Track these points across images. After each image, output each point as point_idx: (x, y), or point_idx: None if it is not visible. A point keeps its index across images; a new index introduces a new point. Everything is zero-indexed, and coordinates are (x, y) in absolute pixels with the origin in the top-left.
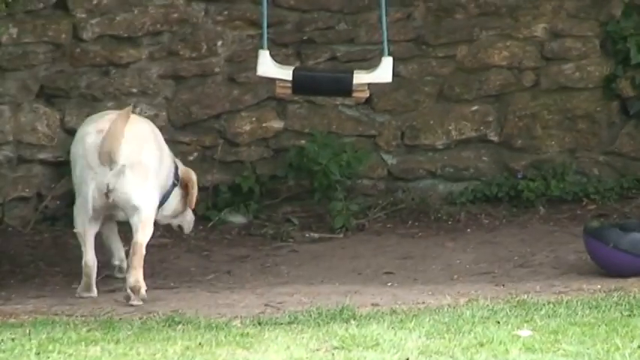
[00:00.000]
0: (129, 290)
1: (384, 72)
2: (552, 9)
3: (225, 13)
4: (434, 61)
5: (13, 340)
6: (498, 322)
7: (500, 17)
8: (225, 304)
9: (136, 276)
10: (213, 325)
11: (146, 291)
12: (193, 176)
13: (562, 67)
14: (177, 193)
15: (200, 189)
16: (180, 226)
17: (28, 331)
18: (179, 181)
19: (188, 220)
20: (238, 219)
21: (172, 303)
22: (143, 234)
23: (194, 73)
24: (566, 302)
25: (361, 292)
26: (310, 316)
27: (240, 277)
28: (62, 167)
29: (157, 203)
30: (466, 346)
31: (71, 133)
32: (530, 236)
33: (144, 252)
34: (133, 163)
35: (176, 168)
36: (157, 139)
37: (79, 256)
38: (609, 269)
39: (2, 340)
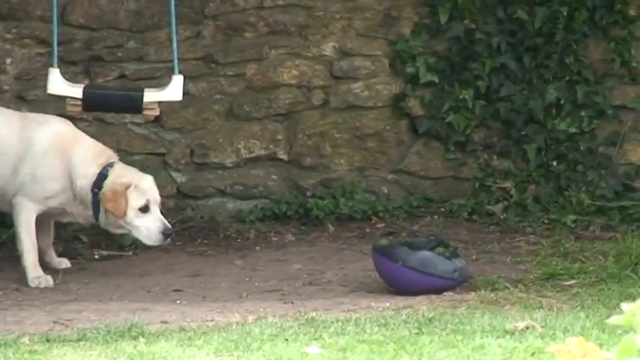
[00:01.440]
0: None
1: (174, 90)
2: (342, 28)
3: (14, 31)
4: (223, 80)
5: None
6: (287, 340)
7: (289, 36)
8: (14, 321)
9: None
10: (2, 342)
11: None
12: None
13: (351, 86)
14: None
15: None
16: None
17: None
18: None
19: None
20: None
21: None
22: None
23: None
24: (355, 320)
25: (150, 310)
26: (99, 333)
27: (29, 293)
28: None
29: None
30: None
31: None
32: (320, 254)
33: None
34: None
35: None
36: None
37: None
38: (398, 287)
39: None
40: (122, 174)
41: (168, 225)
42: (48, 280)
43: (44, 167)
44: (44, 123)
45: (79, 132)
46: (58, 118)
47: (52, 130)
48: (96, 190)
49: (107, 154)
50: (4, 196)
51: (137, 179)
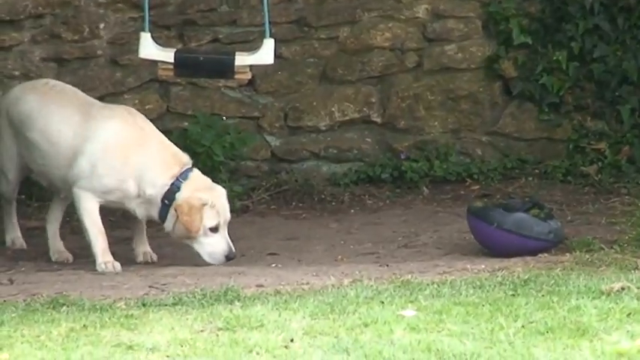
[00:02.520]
0: None
1: (265, 54)
2: None
3: None
4: (316, 43)
5: None
6: (382, 303)
7: None
8: (110, 286)
9: None
10: (98, 306)
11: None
12: None
13: (444, 48)
14: None
15: None
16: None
17: None
18: None
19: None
20: None
21: (56, 285)
22: None
23: (77, 55)
24: (450, 282)
25: (245, 274)
26: (195, 297)
27: (125, 258)
28: None
29: None
30: (350, 327)
31: None
32: (414, 217)
33: None
34: None
35: None
36: None
37: None
38: (493, 249)
39: None
40: (198, 188)
41: (233, 249)
42: (116, 266)
43: (104, 165)
44: (108, 119)
45: (148, 130)
46: (125, 112)
47: (115, 127)
48: (166, 202)
49: (181, 161)
50: (66, 185)
51: (214, 197)
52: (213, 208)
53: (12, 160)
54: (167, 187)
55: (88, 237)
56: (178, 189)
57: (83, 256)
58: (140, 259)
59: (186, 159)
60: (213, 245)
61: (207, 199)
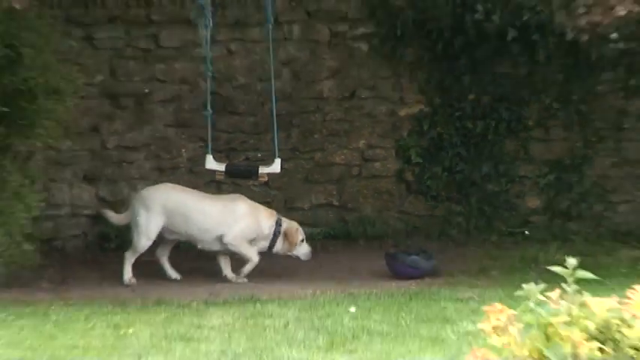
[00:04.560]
0: None
1: (275, 167)
2: (368, 132)
3: (187, 133)
4: (302, 161)
5: None
6: (337, 304)
7: (339, 137)
8: (188, 293)
9: None
10: (182, 304)
11: None
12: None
13: (374, 164)
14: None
15: None
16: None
17: None
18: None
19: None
20: None
21: (159, 291)
22: None
23: (169, 167)
24: (375, 293)
25: (262, 288)
26: (234, 299)
27: (193, 276)
28: None
29: None
30: (320, 316)
31: None
32: (355, 257)
33: None
34: None
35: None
36: None
37: None
38: (399, 276)
39: None
40: (290, 223)
41: (310, 249)
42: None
43: (245, 225)
44: (235, 200)
45: (252, 202)
46: (237, 195)
47: (241, 204)
48: (275, 233)
49: (274, 213)
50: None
51: (297, 225)
52: (300, 230)
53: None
54: (274, 226)
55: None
56: (280, 225)
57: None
58: (231, 275)
59: (275, 212)
60: (305, 250)
61: (297, 226)
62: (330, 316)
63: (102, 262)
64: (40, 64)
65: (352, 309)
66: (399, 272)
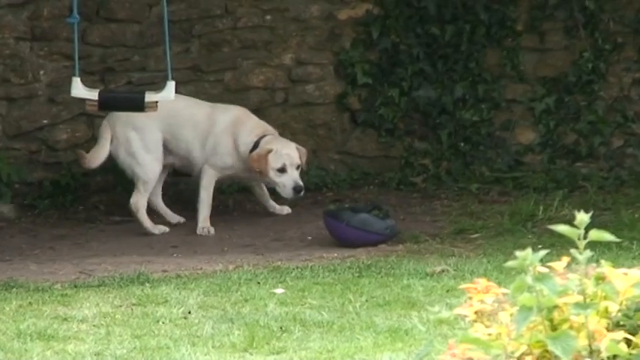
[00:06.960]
0: None
1: (168, 92)
2: (297, 43)
3: (46, 49)
4: (206, 84)
5: None
6: (259, 283)
7: (257, 50)
8: (50, 272)
9: None
10: (40, 288)
11: None
12: None
13: (305, 88)
14: None
15: (28, 184)
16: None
17: None
18: None
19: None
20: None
21: (8, 272)
22: None
23: (22, 95)
24: (311, 267)
25: (153, 262)
26: (114, 280)
27: (60, 251)
28: None
29: None
30: (234, 302)
31: None
32: (282, 217)
33: None
34: None
35: None
36: None
37: None
38: (343, 242)
39: None
40: (269, 142)
41: (300, 183)
42: (210, 230)
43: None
44: (226, 110)
45: (251, 116)
46: (239, 107)
47: (231, 115)
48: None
49: (265, 129)
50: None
51: (280, 147)
52: (276, 154)
53: None
54: (252, 145)
55: (198, 204)
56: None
57: (27, 249)
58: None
59: (271, 129)
60: (284, 183)
61: (272, 148)
62: (249, 301)
63: None
64: None
65: (279, 290)
66: (342, 237)
